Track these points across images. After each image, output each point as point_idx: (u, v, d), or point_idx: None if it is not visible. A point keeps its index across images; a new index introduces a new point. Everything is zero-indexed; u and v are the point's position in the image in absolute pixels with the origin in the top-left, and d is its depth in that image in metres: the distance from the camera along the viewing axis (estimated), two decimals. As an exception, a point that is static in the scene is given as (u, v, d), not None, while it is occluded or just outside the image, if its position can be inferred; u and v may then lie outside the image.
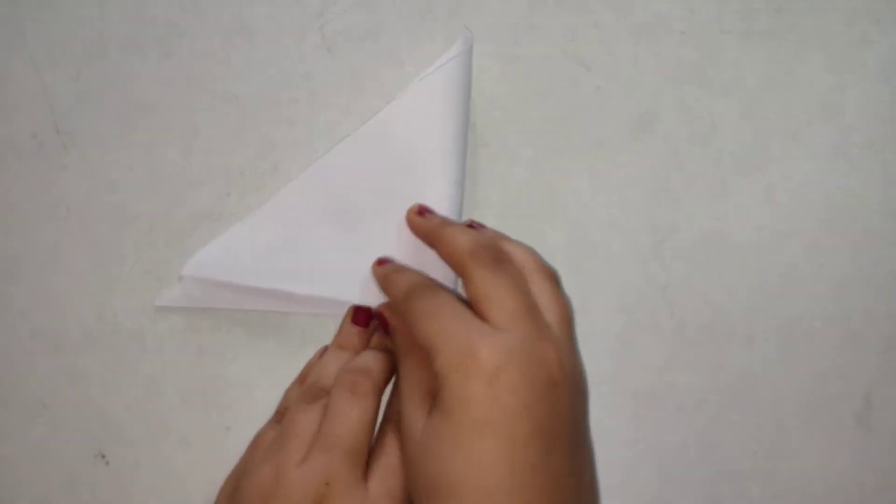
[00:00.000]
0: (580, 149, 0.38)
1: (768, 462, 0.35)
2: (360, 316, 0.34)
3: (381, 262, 0.34)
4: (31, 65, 0.40)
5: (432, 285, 0.31)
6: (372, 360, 0.32)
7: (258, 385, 0.36)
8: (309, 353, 0.36)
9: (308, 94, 0.39)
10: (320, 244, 0.36)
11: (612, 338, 0.36)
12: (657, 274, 0.37)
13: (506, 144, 0.39)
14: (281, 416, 0.33)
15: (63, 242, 0.38)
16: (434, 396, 0.27)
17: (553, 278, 0.30)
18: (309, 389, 0.32)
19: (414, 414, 0.28)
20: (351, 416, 0.29)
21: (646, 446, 0.35)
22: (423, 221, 0.33)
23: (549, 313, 0.28)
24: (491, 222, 0.35)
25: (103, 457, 0.35)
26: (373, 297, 0.35)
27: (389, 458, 0.29)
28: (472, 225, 0.33)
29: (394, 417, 0.31)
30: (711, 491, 0.35)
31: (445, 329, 0.27)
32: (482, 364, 0.26)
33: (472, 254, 0.29)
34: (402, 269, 0.33)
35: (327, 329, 0.37)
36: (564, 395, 0.27)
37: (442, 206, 0.35)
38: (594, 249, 0.37)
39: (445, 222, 0.33)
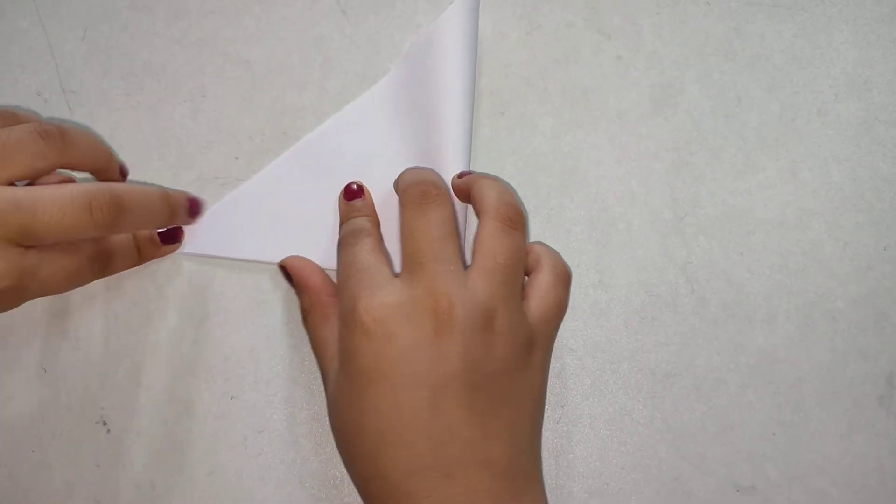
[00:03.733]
0: (601, 120, 0.37)
1: (787, 443, 0.34)
2: (350, 190, 0.35)
3: (350, 192, 0.35)
4: (37, 22, 0.38)
5: (363, 231, 0.32)
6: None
7: (262, 354, 0.35)
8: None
9: (321, 58, 0.38)
10: (312, 214, 0.35)
11: (631, 314, 0.35)
12: (678, 250, 0.36)
13: (524, 113, 0.37)
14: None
15: (66, 204, 0.37)
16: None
17: (510, 219, 0.29)
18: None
19: (325, 366, 0.30)
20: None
21: (663, 425, 0.34)
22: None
23: (484, 258, 0.29)
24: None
25: (104, 424, 0.34)
26: None
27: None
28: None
29: None
30: (729, 471, 0.34)
31: (343, 285, 0.29)
32: (360, 317, 0.27)
33: (403, 191, 0.31)
34: (367, 206, 0.34)
35: (337, 298, 0.36)
36: (455, 346, 0.27)
37: (449, 167, 0.34)
38: (614, 223, 0.36)
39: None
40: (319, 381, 0.35)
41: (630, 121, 0.37)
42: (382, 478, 0.27)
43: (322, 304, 0.32)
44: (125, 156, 0.37)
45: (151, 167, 0.37)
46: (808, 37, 0.38)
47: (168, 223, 0.32)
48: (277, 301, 0.36)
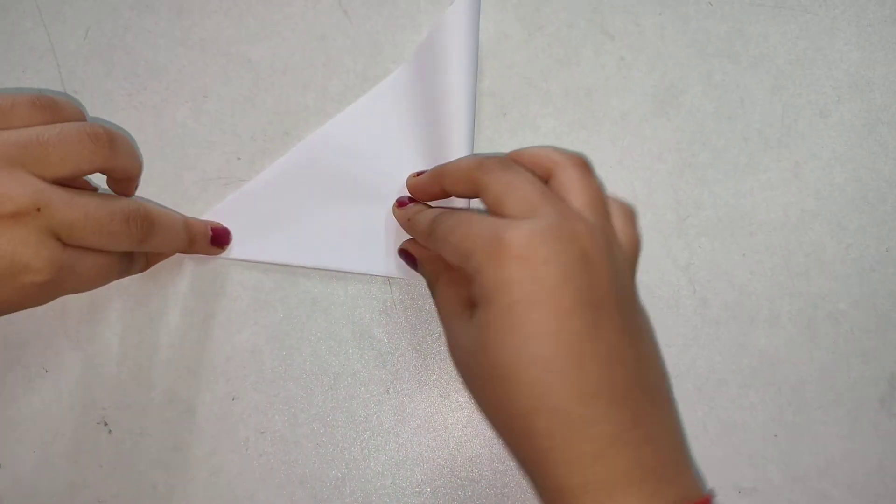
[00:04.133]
0: (603, 121, 0.37)
1: (789, 444, 0.34)
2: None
3: (401, 204, 0.34)
4: (38, 21, 0.38)
5: (452, 209, 0.32)
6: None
7: (264, 355, 0.35)
8: (318, 321, 0.35)
9: (323, 59, 0.38)
10: (317, 214, 0.36)
11: (632, 315, 0.35)
12: (680, 251, 0.36)
13: (527, 114, 0.37)
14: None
15: (68, 204, 0.37)
16: (473, 304, 0.28)
17: (582, 165, 0.30)
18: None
19: (458, 326, 0.29)
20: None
21: (664, 426, 0.34)
22: (421, 177, 0.33)
23: (577, 198, 0.28)
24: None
25: (106, 424, 0.34)
26: (370, 264, 0.35)
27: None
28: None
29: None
30: (730, 472, 0.34)
31: (472, 231, 0.28)
32: (512, 245, 0.26)
33: (478, 166, 0.30)
34: (422, 208, 0.33)
35: (336, 299, 0.36)
36: (603, 269, 0.27)
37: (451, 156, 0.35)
38: (615, 224, 0.36)
39: (442, 165, 0.33)
40: (321, 382, 0.35)
41: (633, 122, 0.37)
42: (549, 410, 0.25)
43: (448, 269, 0.32)
44: (127, 156, 0.37)
45: (154, 167, 0.37)
46: (811, 38, 0.38)
47: (187, 250, 0.34)
48: (279, 302, 0.36)
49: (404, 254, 0.34)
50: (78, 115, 0.30)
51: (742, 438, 0.34)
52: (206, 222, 0.35)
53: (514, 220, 0.27)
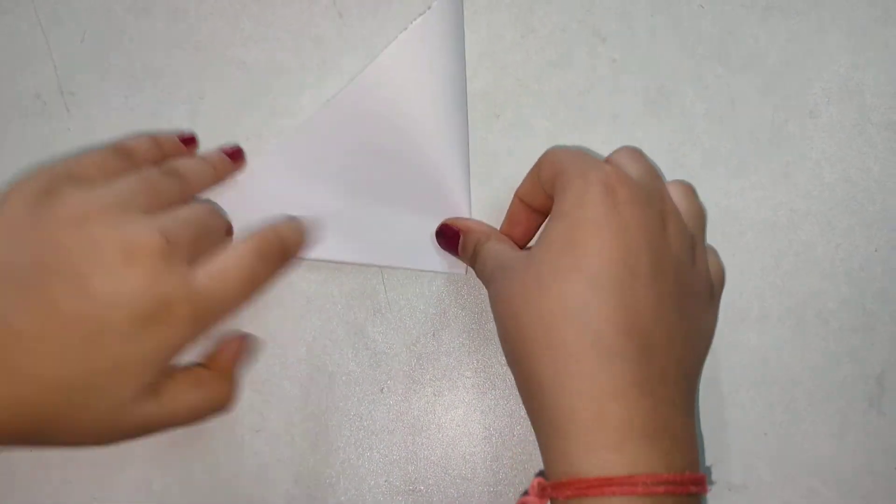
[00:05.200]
0: (596, 122, 0.38)
1: (779, 442, 0.35)
2: (446, 233, 0.35)
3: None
4: (36, 23, 0.39)
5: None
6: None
7: (259, 353, 0.36)
8: (313, 320, 0.36)
9: (318, 60, 0.38)
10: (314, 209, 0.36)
11: (624, 314, 0.36)
12: (670, 251, 0.36)
13: (520, 115, 0.38)
14: None
15: (65, 205, 0.37)
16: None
17: (632, 148, 0.31)
18: None
19: (510, 269, 0.28)
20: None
21: (655, 424, 0.35)
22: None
23: (634, 170, 0.30)
24: (504, 195, 0.35)
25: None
26: (376, 256, 0.35)
27: None
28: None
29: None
30: (721, 469, 0.34)
31: (576, 155, 0.29)
32: (606, 175, 0.27)
33: (538, 167, 0.31)
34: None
35: (332, 298, 0.36)
36: (674, 233, 0.28)
37: (447, 171, 0.35)
38: (607, 224, 0.36)
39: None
40: (316, 381, 0.35)
41: (624, 123, 0.38)
42: (583, 325, 0.25)
43: (495, 231, 0.34)
44: (124, 157, 0.37)
45: (150, 168, 0.37)
46: (802, 40, 0.39)
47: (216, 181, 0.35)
48: (273, 300, 0.36)
49: (443, 233, 0.34)
50: (175, 147, 0.35)
51: (733, 436, 0.35)
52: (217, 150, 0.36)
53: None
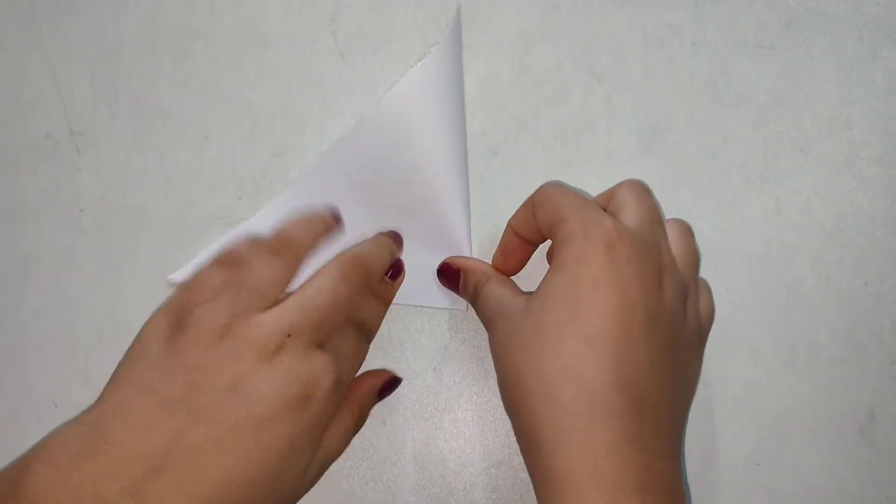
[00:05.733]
0: (591, 159, 0.39)
1: (771, 473, 0.36)
2: (447, 272, 0.36)
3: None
4: (46, 66, 0.40)
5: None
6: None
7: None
8: (318, 357, 0.37)
9: (321, 100, 0.39)
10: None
11: (619, 348, 0.37)
12: (665, 285, 0.37)
13: (517, 153, 0.39)
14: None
15: (76, 244, 0.38)
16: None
17: (638, 184, 0.32)
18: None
19: (509, 315, 0.30)
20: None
21: (650, 456, 0.35)
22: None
23: (634, 214, 0.30)
24: (501, 232, 0.36)
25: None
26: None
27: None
28: None
29: None
30: (713, 500, 0.35)
31: (576, 203, 0.29)
32: (606, 230, 0.28)
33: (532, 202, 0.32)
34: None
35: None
36: (669, 287, 0.29)
37: (447, 198, 0.36)
38: (603, 260, 0.37)
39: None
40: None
41: (619, 160, 0.39)
42: (579, 382, 0.26)
43: (494, 272, 0.34)
44: (132, 196, 0.38)
45: (158, 208, 0.38)
46: (792, 76, 0.40)
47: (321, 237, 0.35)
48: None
49: (444, 272, 0.35)
50: (303, 245, 0.33)
51: (725, 466, 0.36)
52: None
53: (612, 216, 0.29)
